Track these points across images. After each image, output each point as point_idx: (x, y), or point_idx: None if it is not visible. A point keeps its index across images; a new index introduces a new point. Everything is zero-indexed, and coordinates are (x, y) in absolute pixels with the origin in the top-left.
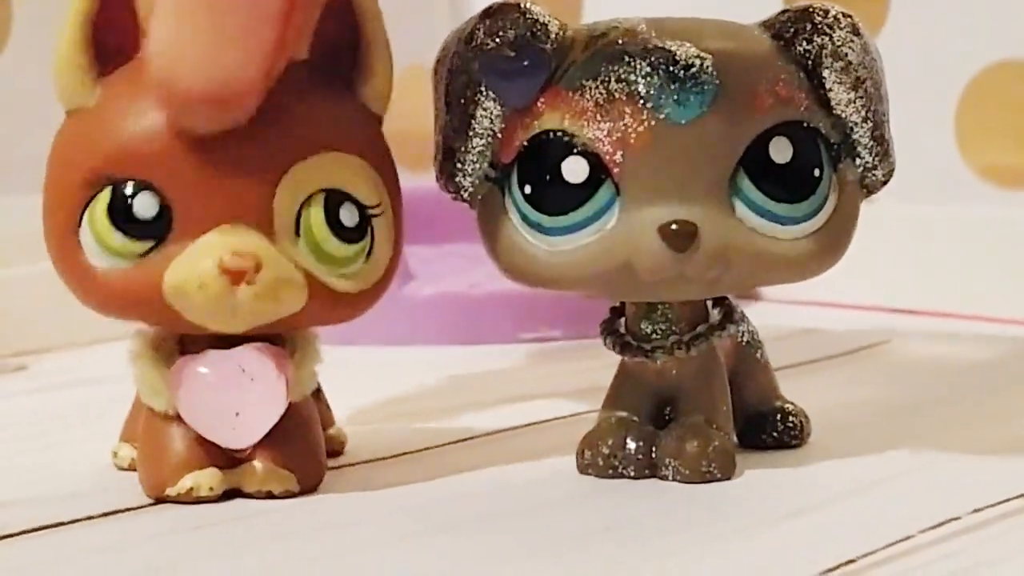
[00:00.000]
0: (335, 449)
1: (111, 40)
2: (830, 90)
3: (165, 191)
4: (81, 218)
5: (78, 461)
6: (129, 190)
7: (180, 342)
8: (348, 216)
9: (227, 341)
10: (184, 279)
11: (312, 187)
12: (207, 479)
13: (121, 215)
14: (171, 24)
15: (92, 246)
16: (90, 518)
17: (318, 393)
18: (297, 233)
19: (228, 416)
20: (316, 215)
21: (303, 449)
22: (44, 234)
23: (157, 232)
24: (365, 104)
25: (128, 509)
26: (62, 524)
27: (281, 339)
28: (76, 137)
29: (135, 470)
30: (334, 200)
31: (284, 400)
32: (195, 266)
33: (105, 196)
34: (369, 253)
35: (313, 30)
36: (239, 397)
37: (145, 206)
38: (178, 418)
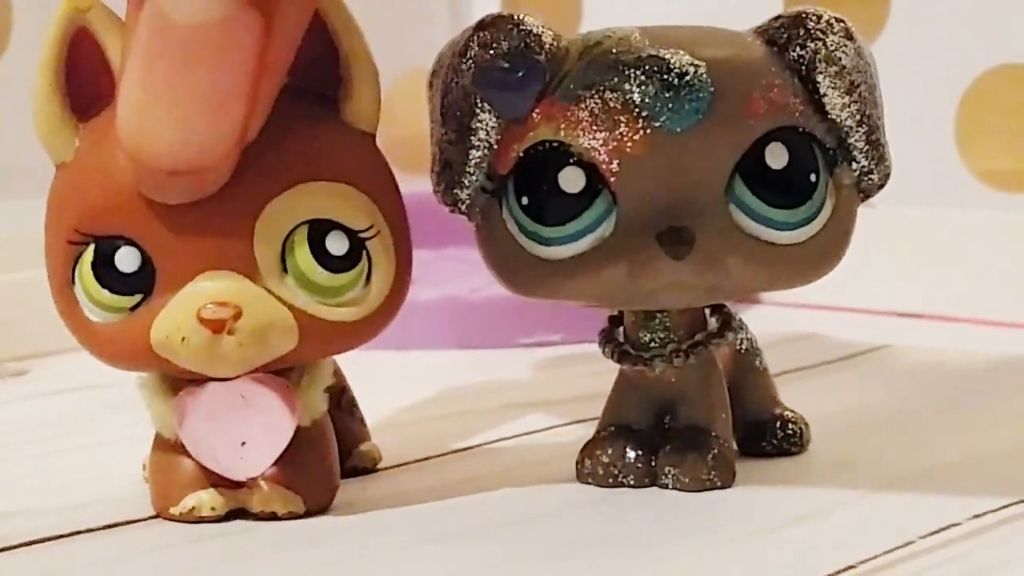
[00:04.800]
0: (367, 466)
1: (84, 89)
2: (824, 95)
3: (144, 244)
4: (73, 274)
5: (79, 470)
6: (110, 246)
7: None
8: (336, 244)
9: None
10: (167, 334)
11: (293, 221)
12: (209, 499)
13: (105, 272)
14: (137, 96)
15: (85, 301)
16: (91, 530)
17: (352, 409)
18: (285, 270)
19: (233, 447)
20: (300, 249)
21: (311, 470)
22: (48, 286)
23: (142, 285)
24: (351, 124)
25: (129, 522)
26: (62, 536)
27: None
28: (60, 193)
29: None
30: (319, 230)
31: (290, 429)
32: (176, 319)
33: (89, 253)
34: (369, 278)
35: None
36: (243, 428)
37: (127, 261)
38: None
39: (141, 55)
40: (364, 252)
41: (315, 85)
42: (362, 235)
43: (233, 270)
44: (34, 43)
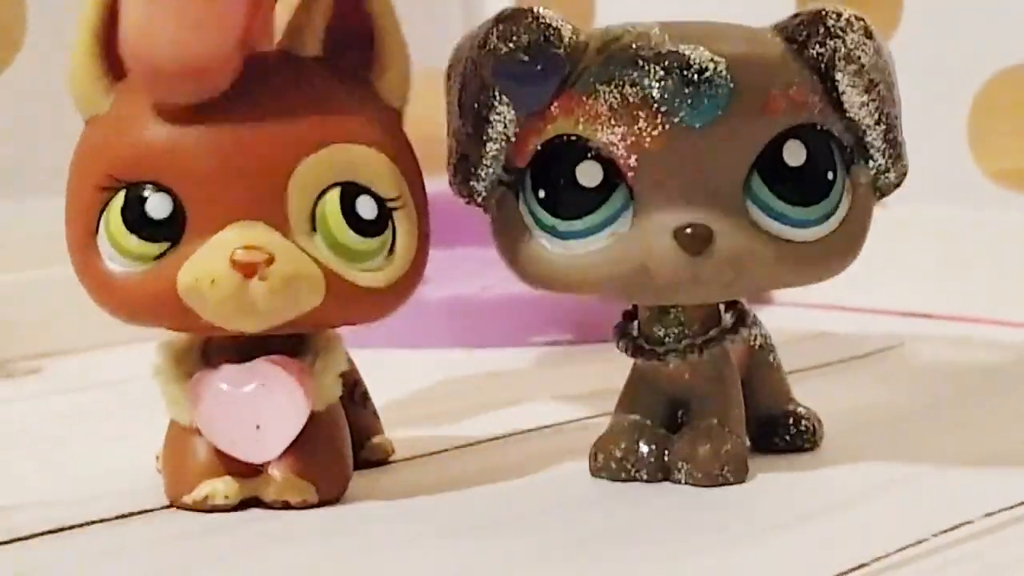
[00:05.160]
0: (379, 458)
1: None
2: (843, 93)
3: (177, 191)
4: (98, 224)
5: (92, 464)
6: (142, 192)
7: (203, 355)
8: (366, 208)
9: (248, 348)
10: (196, 277)
11: (326, 180)
12: (223, 487)
13: (135, 218)
14: (140, 2)
15: (109, 251)
16: (103, 521)
17: (365, 401)
18: (314, 228)
19: (249, 430)
20: (332, 208)
21: (324, 459)
22: (67, 243)
23: (172, 233)
24: (382, 98)
25: (141, 512)
26: (75, 527)
27: (302, 347)
28: (91, 144)
29: None
30: (350, 193)
31: (305, 411)
32: (207, 263)
33: (119, 200)
34: (392, 248)
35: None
36: (259, 410)
37: (158, 207)
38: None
39: None
40: (390, 221)
41: (347, 61)
42: (390, 203)
43: (264, 221)
44: (48, 46)
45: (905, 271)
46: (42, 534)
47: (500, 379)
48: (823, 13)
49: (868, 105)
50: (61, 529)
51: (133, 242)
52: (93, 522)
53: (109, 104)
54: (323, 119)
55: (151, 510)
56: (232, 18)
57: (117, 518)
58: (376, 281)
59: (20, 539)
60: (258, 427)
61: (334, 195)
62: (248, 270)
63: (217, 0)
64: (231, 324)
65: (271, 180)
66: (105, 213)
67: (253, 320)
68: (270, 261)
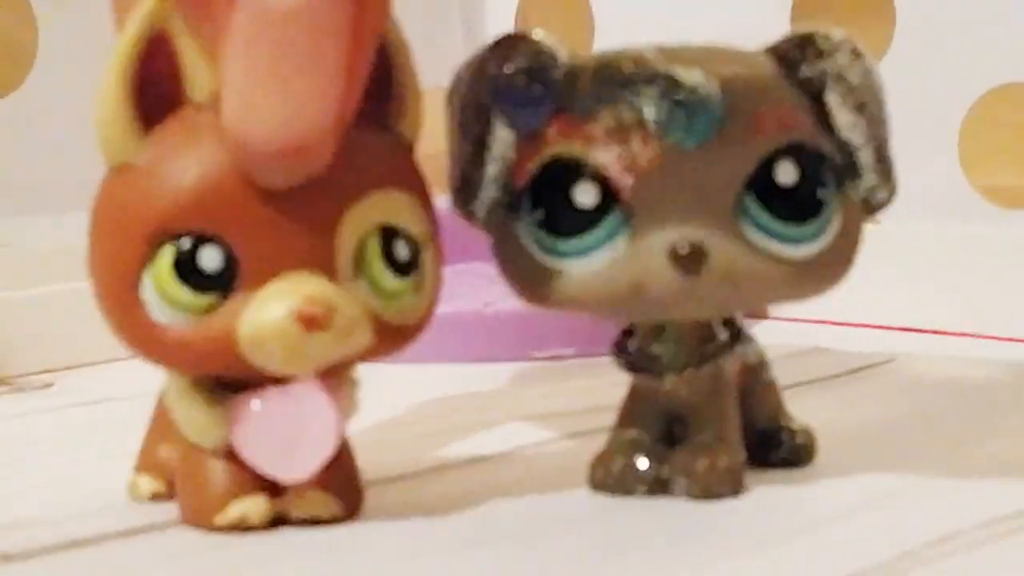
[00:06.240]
0: None
1: (156, 92)
2: (833, 113)
3: (229, 243)
4: (140, 275)
5: (103, 479)
6: (193, 245)
7: (218, 378)
8: (402, 251)
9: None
10: (260, 329)
11: (369, 226)
12: (255, 507)
13: (188, 270)
14: (241, 84)
15: (156, 302)
16: (114, 536)
17: None
18: (355, 272)
19: (286, 450)
20: (374, 252)
21: (346, 475)
22: (95, 293)
23: (223, 284)
24: (401, 136)
25: (153, 528)
26: (86, 542)
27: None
28: (128, 195)
29: (157, 501)
30: (388, 236)
31: (340, 432)
32: (270, 315)
33: (169, 252)
34: (420, 285)
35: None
36: (296, 431)
37: (211, 260)
38: (223, 452)
39: (241, 44)
40: (420, 260)
41: (374, 108)
42: (420, 243)
43: (315, 270)
44: (62, 63)
45: (897, 286)
46: (53, 549)
47: (500, 394)
48: (813, 35)
49: (858, 125)
50: (72, 545)
51: (185, 294)
52: (104, 538)
53: (144, 152)
54: (364, 164)
55: (164, 526)
56: (330, 96)
57: (128, 534)
58: (407, 318)
59: (31, 554)
60: (295, 447)
61: (375, 240)
62: (311, 322)
63: (315, 80)
64: (287, 371)
65: (322, 228)
66: (152, 266)
67: (308, 366)
68: (331, 312)
